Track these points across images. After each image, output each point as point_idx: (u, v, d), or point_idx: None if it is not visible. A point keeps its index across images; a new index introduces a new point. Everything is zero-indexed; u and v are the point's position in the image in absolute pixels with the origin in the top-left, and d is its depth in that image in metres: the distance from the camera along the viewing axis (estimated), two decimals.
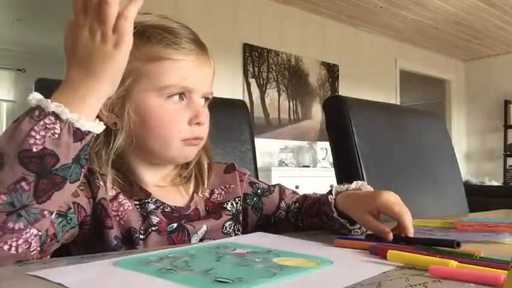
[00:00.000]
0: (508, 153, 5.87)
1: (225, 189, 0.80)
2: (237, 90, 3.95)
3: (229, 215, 0.77)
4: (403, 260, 0.52)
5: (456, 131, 6.11)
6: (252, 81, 4.08)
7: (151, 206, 0.69)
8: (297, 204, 0.84)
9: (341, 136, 1.18)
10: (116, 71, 0.56)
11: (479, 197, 2.37)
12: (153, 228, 0.67)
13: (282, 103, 4.29)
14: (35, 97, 0.51)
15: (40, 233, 0.51)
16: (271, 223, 0.84)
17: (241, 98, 3.44)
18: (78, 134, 0.51)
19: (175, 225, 0.70)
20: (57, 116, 0.50)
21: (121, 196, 0.67)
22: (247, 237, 0.71)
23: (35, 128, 0.49)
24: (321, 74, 4.65)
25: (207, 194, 0.78)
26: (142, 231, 0.67)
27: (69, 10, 0.56)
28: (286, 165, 3.96)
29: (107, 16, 0.53)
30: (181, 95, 0.69)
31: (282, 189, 0.87)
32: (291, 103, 4.38)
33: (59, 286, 0.42)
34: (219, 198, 0.78)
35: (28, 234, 0.49)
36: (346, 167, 1.17)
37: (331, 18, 4.71)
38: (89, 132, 0.52)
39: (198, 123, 0.70)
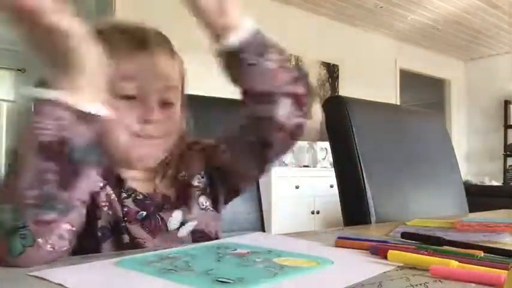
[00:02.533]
0: (508, 153, 5.87)
1: (188, 168, 0.76)
2: (237, 90, 3.95)
3: (199, 190, 0.75)
4: (403, 260, 0.52)
5: (456, 131, 6.11)
6: None
7: (124, 195, 0.69)
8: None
9: (341, 136, 1.18)
10: None
11: (479, 197, 2.37)
12: (124, 219, 0.67)
13: None
14: (33, 92, 0.53)
15: (73, 228, 0.52)
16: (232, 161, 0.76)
17: None
18: (82, 116, 0.52)
19: (144, 213, 0.68)
20: (55, 103, 0.51)
21: (108, 187, 0.67)
22: (247, 237, 0.71)
23: (38, 119, 0.50)
24: (321, 74, 4.65)
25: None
26: (113, 223, 0.66)
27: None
28: (286, 165, 3.96)
29: None
30: (130, 93, 0.68)
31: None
32: None
33: (59, 286, 0.42)
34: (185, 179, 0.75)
35: (61, 229, 0.50)
36: (346, 167, 1.17)
37: (331, 18, 4.71)
38: (92, 113, 0.53)
39: (146, 120, 0.68)
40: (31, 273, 0.45)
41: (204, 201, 0.75)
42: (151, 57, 0.69)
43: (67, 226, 0.51)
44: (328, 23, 4.74)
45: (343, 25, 4.87)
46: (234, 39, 0.63)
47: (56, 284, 0.42)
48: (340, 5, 4.38)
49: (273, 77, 0.65)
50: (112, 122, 0.65)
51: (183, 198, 0.74)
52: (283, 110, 0.65)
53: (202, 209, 0.75)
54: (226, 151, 0.76)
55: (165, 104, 0.71)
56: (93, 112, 0.53)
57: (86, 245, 0.60)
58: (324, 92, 4.64)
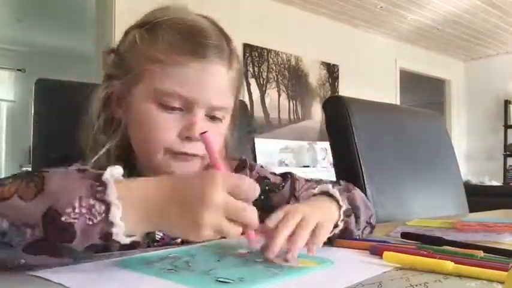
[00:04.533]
0: (508, 153, 5.87)
1: None
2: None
3: None
4: (399, 261, 0.52)
5: (456, 131, 6.11)
6: (252, 81, 4.08)
7: None
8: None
9: (341, 136, 1.17)
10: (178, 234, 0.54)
11: (479, 197, 2.37)
12: (155, 244, 0.66)
13: (282, 103, 4.29)
14: (114, 174, 0.46)
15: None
16: None
17: (241, 98, 3.44)
18: (107, 237, 0.45)
19: (179, 240, 0.67)
20: (107, 212, 0.44)
21: None
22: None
23: (83, 202, 0.43)
24: (321, 74, 4.65)
25: None
26: (144, 244, 0.63)
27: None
28: (286, 165, 3.96)
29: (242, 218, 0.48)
30: (178, 104, 0.62)
31: (293, 182, 0.78)
32: (291, 103, 4.38)
33: (60, 286, 0.42)
34: None
35: None
36: (346, 167, 1.17)
37: (331, 18, 4.71)
38: (117, 243, 0.46)
39: (188, 138, 0.63)
40: (31, 273, 0.45)
41: None
42: (204, 67, 0.62)
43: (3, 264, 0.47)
44: (328, 23, 4.73)
45: (343, 25, 4.87)
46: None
47: (56, 283, 0.42)
48: (340, 5, 4.38)
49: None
50: (151, 136, 0.63)
51: None
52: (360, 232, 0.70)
53: None
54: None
55: (212, 118, 0.66)
56: (119, 242, 0.46)
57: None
58: (324, 92, 4.64)
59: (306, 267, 0.51)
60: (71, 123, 0.88)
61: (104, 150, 0.66)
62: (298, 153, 4.22)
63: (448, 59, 6.17)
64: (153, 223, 0.47)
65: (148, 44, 0.63)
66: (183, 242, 0.66)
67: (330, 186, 0.65)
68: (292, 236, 0.52)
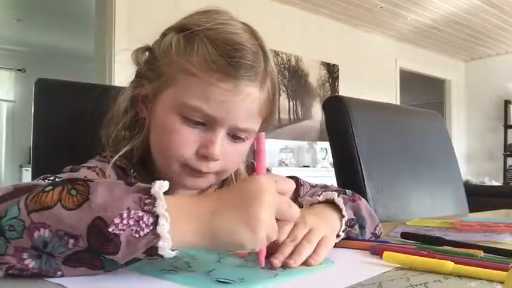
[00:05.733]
0: (508, 153, 5.87)
1: None
2: None
3: None
4: (398, 261, 0.52)
5: (456, 131, 6.11)
6: None
7: None
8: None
9: (341, 136, 1.17)
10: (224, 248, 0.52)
11: (479, 197, 2.37)
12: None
13: (282, 103, 4.29)
14: (162, 187, 0.44)
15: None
16: None
17: None
18: (151, 251, 0.44)
19: None
20: (155, 224, 0.43)
21: None
22: None
23: (131, 213, 0.42)
24: (321, 74, 4.65)
25: None
26: None
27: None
28: (286, 165, 3.96)
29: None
30: (202, 119, 0.61)
31: (298, 187, 0.78)
32: (291, 103, 4.38)
33: (59, 286, 0.42)
34: None
35: (28, 271, 0.44)
36: (346, 167, 1.17)
37: (331, 18, 4.71)
38: (160, 256, 0.44)
39: (205, 157, 0.62)
40: None
41: None
42: (234, 88, 0.61)
43: (34, 273, 0.44)
44: (328, 23, 4.73)
45: (343, 25, 4.87)
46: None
47: (55, 284, 0.42)
48: (340, 5, 4.38)
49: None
50: (169, 147, 0.62)
51: None
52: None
53: None
54: None
55: (234, 137, 0.65)
56: (162, 255, 0.45)
57: None
58: (324, 92, 4.64)
59: (307, 267, 0.51)
60: (70, 123, 0.88)
61: (127, 148, 0.66)
62: (298, 153, 4.22)
63: (448, 59, 6.17)
64: (204, 236, 0.45)
65: (183, 53, 0.62)
66: None
67: (336, 194, 0.64)
68: (298, 246, 0.52)
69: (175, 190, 0.67)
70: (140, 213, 0.42)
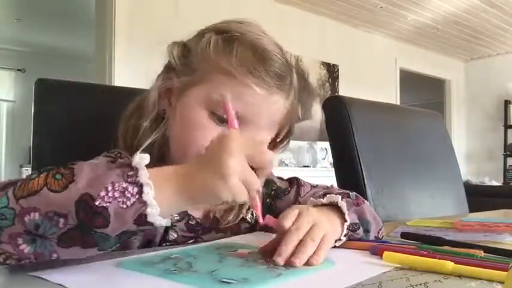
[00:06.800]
0: (508, 153, 5.86)
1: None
2: None
3: (248, 227, 0.75)
4: (399, 261, 0.52)
5: (456, 131, 6.11)
6: None
7: (176, 217, 0.67)
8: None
9: (341, 136, 1.17)
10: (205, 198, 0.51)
11: (479, 197, 2.37)
12: (168, 244, 0.67)
13: None
14: (143, 159, 0.46)
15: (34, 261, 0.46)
16: None
17: None
18: (141, 219, 0.45)
19: (191, 242, 0.68)
20: (140, 193, 0.45)
21: None
22: (247, 238, 0.70)
23: (115, 186, 0.44)
24: (321, 74, 4.65)
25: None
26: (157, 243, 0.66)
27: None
28: (286, 165, 3.96)
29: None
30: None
31: (298, 188, 0.79)
32: None
33: (59, 287, 0.42)
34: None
35: (26, 258, 0.45)
36: (346, 167, 1.17)
37: (331, 18, 4.70)
38: (151, 224, 0.46)
39: None
40: (31, 273, 0.45)
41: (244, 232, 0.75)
42: (265, 94, 0.63)
43: (32, 259, 0.46)
44: (328, 23, 4.73)
45: (343, 25, 4.86)
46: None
47: (56, 284, 0.42)
48: (340, 5, 4.38)
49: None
50: (193, 140, 0.63)
51: (231, 230, 0.73)
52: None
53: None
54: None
55: None
56: (153, 223, 0.47)
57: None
58: (324, 92, 4.63)
59: (309, 267, 0.51)
60: (70, 123, 0.88)
61: (148, 141, 0.66)
62: (298, 153, 4.22)
63: (448, 59, 6.17)
64: (184, 195, 0.48)
65: (221, 53, 0.64)
66: (195, 242, 0.67)
67: (339, 198, 0.65)
68: (301, 243, 0.53)
69: None
70: (124, 185, 0.44)
